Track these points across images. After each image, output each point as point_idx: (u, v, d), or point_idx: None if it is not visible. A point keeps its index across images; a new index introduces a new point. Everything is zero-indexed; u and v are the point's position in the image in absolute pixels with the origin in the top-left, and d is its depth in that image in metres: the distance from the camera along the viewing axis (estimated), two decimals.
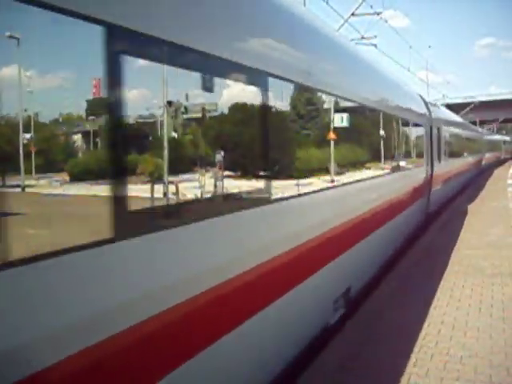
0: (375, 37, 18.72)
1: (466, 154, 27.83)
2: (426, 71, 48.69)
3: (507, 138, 79.10)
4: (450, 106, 35.34)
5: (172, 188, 3.43)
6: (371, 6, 17.73)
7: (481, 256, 10.12)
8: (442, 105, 28.81)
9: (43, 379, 2.33)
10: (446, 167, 18.06)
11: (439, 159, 16.52)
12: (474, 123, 50.18)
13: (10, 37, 2.31)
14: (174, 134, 3.63)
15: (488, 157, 46.35)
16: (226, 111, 4.16)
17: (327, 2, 14.20)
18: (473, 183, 29.00)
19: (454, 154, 21.51)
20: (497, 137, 67.49)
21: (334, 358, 5.49)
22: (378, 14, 17.79)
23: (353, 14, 16.97)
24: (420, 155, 13.84)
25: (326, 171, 6.41)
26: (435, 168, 15.30)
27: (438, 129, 16.80)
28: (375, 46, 18.66)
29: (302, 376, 5.11)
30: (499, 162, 57.54)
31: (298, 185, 5.18)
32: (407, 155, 12.16)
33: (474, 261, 9.75)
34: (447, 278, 8.55)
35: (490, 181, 31.05)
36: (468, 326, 6.38)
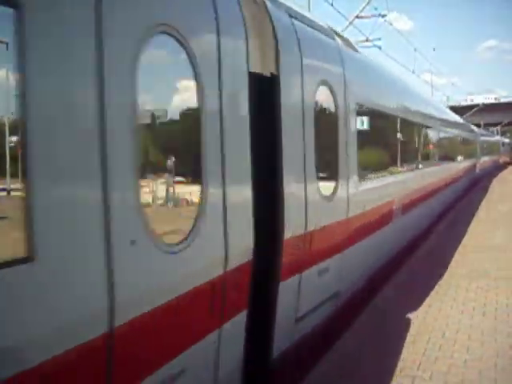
0: (380, 39, 18.73)
1: (451, 159, 20.02)
2: (430, 73, 48.60)
3: (506, 140, 73.69)
4: (454, 109, 35.26)
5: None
6: (375, 9, 17.78)
7: None
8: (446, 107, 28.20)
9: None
10: (379, 195, 8.45)
11: (353, 178, 6.95)
12: (479, 126, 49.57)
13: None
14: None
15: (483, 162, 38.96)
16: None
17: (332, 4, 14.20)
18: (460, 203, 20.15)
19: (420, 162, 13.03)
20: (495, 138, 59.60)
21: (332, 364, 5.48)
22: (383, 16, 17.81)
23: (357, 17, 17.00)
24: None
25: None
26: (324, 211, 5.92)
27: (355, 103, 7.14)
28: (380, 48, 18.66)
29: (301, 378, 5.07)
30: (497, 168, 49.96)
31: None
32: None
33: None
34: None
35: (488, 198, 21.74)
36: (472, 329, 6.35)
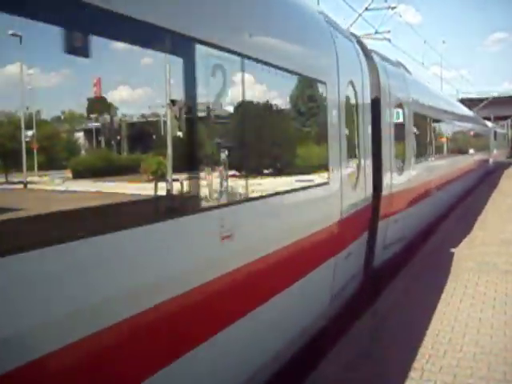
0: (389, 31, 18.56)
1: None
2: (439, 66, 47.83)
3: (500, 131, 52.48)
4: (463, 102, 34.65)
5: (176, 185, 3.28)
6: (386, 1, 17.65)
7: None
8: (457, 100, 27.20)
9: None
10: None
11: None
12: (489, 119, 48.34)
13: (13, 35, 2.32)
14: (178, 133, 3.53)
15: (450, 172, 16.13)
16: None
17: None
18: None
19: None
20: (486, 125, 35.99)
21: (343, 355, 5.50)
22: (393, 8, 17.66)
23: (367, 9, 16.87)
24: None
25: None
26: None
27: None
28: (389, 40, 18.51)
29: (310, 373, 5.12)
30: (486, 173, 30.56)
31: None
32: None
33: None
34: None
35: None
36: (481, 323, 6.35)
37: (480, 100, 51.50)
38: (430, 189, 12.42)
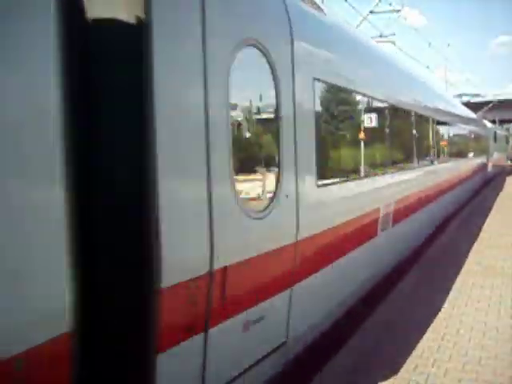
0: (394, 34, 18.59)
1: None
2: (444, 69, 47.24)
3: (501, 132, 46.92)
4: (468, 105, 34.40)
5: None
6: (390, 4, 17.67)
7: None
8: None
9: None
10: None
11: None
12: (494, 122, 47.58)
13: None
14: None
15: (423, 189, 10.72)
16: None
17: (346, 0, 14.14)
18: None
19: None
20: (485, 125, 31.90)
21: (345, 363, 5.48)
22: (397, 11, 17.69)
23: (371, 12, 16.91)
24: None
25: None
26: None
27: None
28: (394, 43, 18.53)
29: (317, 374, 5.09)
30: (482, 182, 26.68)
31: None
32: None
33: None
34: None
35: None
36: (487, 326, 6.31)
37: (485, 103, 51.15)
38: (376, 223, 7.26)
